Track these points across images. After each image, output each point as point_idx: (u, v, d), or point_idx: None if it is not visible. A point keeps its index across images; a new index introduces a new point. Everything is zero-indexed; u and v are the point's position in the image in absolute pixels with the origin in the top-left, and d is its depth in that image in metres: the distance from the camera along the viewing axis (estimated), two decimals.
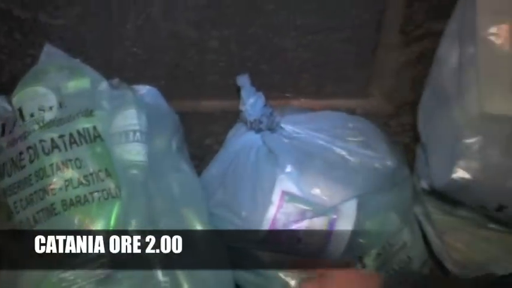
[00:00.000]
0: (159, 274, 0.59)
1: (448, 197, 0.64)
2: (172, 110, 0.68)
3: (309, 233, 0.65)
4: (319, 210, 0.63)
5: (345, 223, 0.64)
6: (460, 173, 0.59)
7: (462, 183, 0.59)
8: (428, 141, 0.67)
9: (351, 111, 0.71)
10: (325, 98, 0.74)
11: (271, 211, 0.65)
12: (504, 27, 0.58)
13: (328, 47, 0.71)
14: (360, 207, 0.63)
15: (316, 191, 0.64)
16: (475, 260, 0.68)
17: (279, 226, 0.65)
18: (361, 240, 0.63)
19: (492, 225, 0.66)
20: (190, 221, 0.67)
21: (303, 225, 0.65)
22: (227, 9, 0.66)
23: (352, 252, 0.64)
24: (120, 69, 0.68)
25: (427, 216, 0.70)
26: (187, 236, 0.67)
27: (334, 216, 0.63)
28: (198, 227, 0.67)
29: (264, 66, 0.73)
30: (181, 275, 0.62)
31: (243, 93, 0.66)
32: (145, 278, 0.58)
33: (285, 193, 0.65)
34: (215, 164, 0.72)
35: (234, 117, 0.70)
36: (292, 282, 0.68)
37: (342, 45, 0.71)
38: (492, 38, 0.59)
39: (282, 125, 0.67)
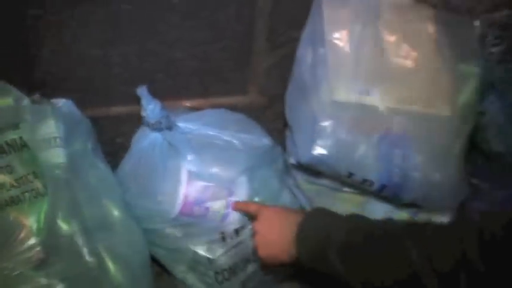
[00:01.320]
0: (86, 255, 0.77)
1: (312, 169, 0.89)
2: (85, 118, 0.88)
3: (214, 203, 0.89)
4: (219, 184, 0.88)
5: (241, 192, 0.89)
6: (318, 150, 0.79)
7: (320, 158, 0.78)
8: (293, 125, 0.94)
9: (233, 107, 0.96)
10: (211, 98, 0.99)
11: (182, 190, 0.88)
12: (344, 33, 0.85)
13: (211, 55, 0.96)
14: (249, 179, 0.90)
15: (214, 169, 0.89)
16: None
17: (190, 201, 0.88)
18: (255, 200, 0.90)
19: (346, 189, 0.90)
20: (109, 209, 0.88)
21: (208, 197, 0.89)
22: (127, 31, 0.88)
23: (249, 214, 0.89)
24: (40, 87, 0.86)
25: (297, 186, 0.97)
26: (108, 222, 0.88)
27: (232, 188, 0.89)
28: (116, 214, 0.88)
29: (160, 74, 0.96)
30: (105, 254, 0.80)
31: (143, 101, 0.89)
32: (74, 259, 0.76)
33: (190, 173, 0.88)
34: (126, 161, 0.94)
35: (139, 118, 0.91)
36: (201, 251, 0.91)
37: (222, 53, 0.96)
38: (336, 41, 0.85)
39: (178, 124, 0.91)
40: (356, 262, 0.64)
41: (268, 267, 0.86)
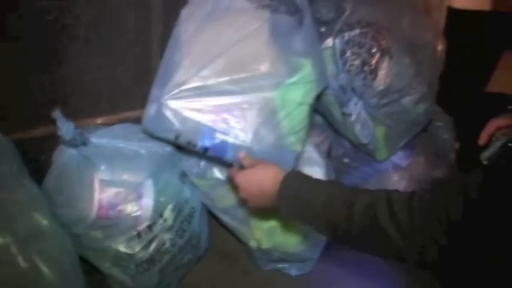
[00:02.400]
0: (21, 262, 0.91)
1: (150, 134, 1.10)
2: (9, 142, 1.06)
3: (126, 205, 1.13)
4: (129, 188, 1.12)
5: (148, 193, 1.14)
6: (149, 113, 1.10)
7: (149, 121, 1.08)
8: None
9: (138, 120, 1.20)
10: (118, 113, 1.23)
11: (96, 196, 1.12)
12: (193, 27, 1.07)
13: (115, 76, 1.19)
14: (154, 182, 1.14)
15: (124, 176, 1.12)
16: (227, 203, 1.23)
17: (105, 205, 1.12)
18: (161, 199, 1.14)
19: None
20: (38, 220, 1.09)
21: (121, 201, 1.13)
22: (41, 60, 1.06)
23: (158, 210, 1.14)
24: None
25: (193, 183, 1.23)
26: (38, 231, 1.11)
27: (141, 191, 1.13)
28: (45, 223, 1.11)
29: (73, 97, 1.19)
30: (38, 259, 0.99)
31: (58, 122, 1.12)
32: (10, 267, 0.92)
33: (103, 181, 1.10)
34: (50, 176, 1.17)
35: (58, 138, 1.05)
36: (121, 248, 1.15)
37: (124, 74, 1.20)
38: (187, 34, 1.08)
39: (91, 139, 1.14)
40: (339, 231, 0.79)
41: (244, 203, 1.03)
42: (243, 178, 0.95)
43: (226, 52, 1.03)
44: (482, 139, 1.01)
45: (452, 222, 0.67)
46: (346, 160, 1.42)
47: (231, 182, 1.02)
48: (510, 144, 0.98)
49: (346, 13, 1.24)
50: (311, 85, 1.08)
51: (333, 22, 1.26)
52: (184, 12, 1.07)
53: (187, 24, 1.07)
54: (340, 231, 0.79)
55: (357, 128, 1.20)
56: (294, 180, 0.88)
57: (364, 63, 1.18)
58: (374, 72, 1.16)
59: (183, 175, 1.18)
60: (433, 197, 0.71)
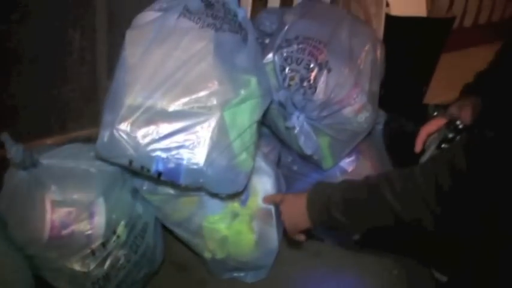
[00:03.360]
0: None
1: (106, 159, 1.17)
2: None
3: (79, 225, 1.23)
4: (81, 208, 1.22)
5: (100, 211, 1.24)
6: (103, 139, 1.16)
7: (104, 146, 1.16)
8: None
9: (88, 139, 1.30)
10: (68, 133, 1.32)
11: (48, 217, 1.21)
12: (140, 50, 1.17)
13: (64, 96, 1.29)
14: (106, 199, 1.25)
15: (75, 196, 1.22)
16: (180, 216, 1.36)
17: (57, 225, 1.21)
18: (113, 216, 1.25)
19: (184, 193, 1.30)
20: None
21: (73, 220, 1.23)
22: None
23: (111, 227, 1.25)
24: None
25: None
26: None
27: (92, 209, 1.24)
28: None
29: (23, 118, 1.27)
30: None
31: (7, 146, 1.20)
32: None
33: (54, 201, 1.19)
34: (2, 199, 1.26)
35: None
36: (76, 267, 1.25)
37: (73, 93, 1.29)
38: (133, 56, 1.18)
39: (41, 161, 1.24)
40: (353, 213, 1.01)
41: (293, 238, 1.23)
42: (285, 203, 1.20)
43: (174, 74, 1.14)
44: (418, 147, 1.20)
45: (440, 187, 0.86)
46: (295, 168, 1.57)
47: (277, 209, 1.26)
48: (450, 135, 1.15)
49: (285, 28, 1.38)
50: (258, 101, 1.21)
51: (274, 36, 1.40)
52: (129, 35, 1.17)
53: (134, 48, 1.16)
54: (357, 216, 1.01)
55: (301, 140, 1.34)
56: (315, 194, 1.11)
57: (302, 79, 1.30)
58: (313, 86, 1.28)
59: (135, 191, 1.30)
60: (423, 167, 0.92)
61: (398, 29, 1.67)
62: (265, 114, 1.35)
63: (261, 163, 1.38)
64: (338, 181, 1.13)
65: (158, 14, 1.21)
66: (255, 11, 1.60)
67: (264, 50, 1.37)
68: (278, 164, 1.63)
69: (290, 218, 1.17)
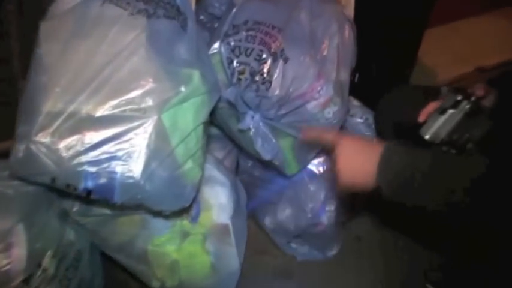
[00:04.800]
0: None
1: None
2: None
3: None
4: None
5: (20, 240, 1.20)
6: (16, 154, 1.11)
7: (20, 162, 1.10)
8: None
9: (4, 154, 1.24)
10: None
11: None
12: (58, 48, 1.12)
13: None
14: (27, 226, 1.20)
15: None
16: (120, 240, 1.32)
17: None
18: (37, 246, 1.21)
19: (123, 212, 1.27)
20: None
21: None
22: None
23: (35, 259, 1.20)
24: None
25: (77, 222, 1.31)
26: None
27: (10, 240, 1.19)
28: None
29: None
30: None
31: None
32: None
33: None
34: None
35: None
36: None
37: None
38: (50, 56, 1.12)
39: None
40: (442, 187, 0.91)
41: (343, 193, 1.15)
42: (349, 142, 1.05)
43: (101, 73, 1.08)
44: (422, 117, 1.15)
45: None
46: (256, 173, 1.54)
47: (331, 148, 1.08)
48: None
49: (233, 11, 1.34)
50: (203, 99, 1.17)
51: (221, 21, 1.36)
52: (44, 28, 1.12)
53: (51, 43, 1.10)
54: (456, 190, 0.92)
55: (258, 144, 1.30)
56: (394, 151, 0.99)
57: (253, 73, 1.24)
58: (267, 81, 1.23)
59: (64, 214, 1.25)
60: None
61: (371, 3, 1.65)
62: (214, 113, 1.32)
63: (213, 171, 1.35)
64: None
65: (78, 0, 1.16)
66: None
67: (211, 37, 1.34)
68: (236, 171, 1.61)
69: (350, 173, 1.03)
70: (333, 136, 1.07)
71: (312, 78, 1.25)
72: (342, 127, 1.52)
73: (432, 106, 1.14)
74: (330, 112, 1.31)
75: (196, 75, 1.15)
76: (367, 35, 1.62)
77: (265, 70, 1.22)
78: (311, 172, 1.47)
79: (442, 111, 1.10)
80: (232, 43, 1.26)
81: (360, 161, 1.01)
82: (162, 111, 1.11)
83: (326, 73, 1.29)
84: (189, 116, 1.14)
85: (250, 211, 1.61)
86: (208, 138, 1.46)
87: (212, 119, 1.36)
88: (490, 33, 2.62)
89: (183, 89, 1.12)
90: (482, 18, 2.77)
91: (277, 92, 1.23)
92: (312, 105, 1.28)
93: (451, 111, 1.11)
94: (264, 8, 1.30)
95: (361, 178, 1.01)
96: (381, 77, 1.82)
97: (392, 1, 1.71)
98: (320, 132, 1.14)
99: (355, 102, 1.66)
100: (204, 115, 1.17)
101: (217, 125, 1.41)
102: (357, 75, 1.79)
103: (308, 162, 1.44)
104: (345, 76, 1.37)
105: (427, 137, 1.10)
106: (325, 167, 1.48)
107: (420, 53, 1.96)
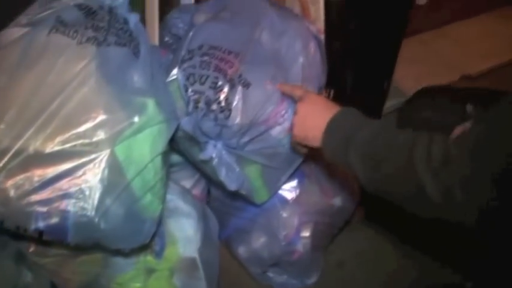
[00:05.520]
0: None
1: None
2: None
3: None
4: None
5: None
6: None
7: None
8: None
9: None
10: None
11: None
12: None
13: None
14: None
15: None
16: (82, 280, 1.33)
17: None
18: None
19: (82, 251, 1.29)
20: None
21: None
22: None
23: None
24: None
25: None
26: None
27: None
28: None
29: None
30: None
31: None
32: None
33: None
34: None
35: None
36: None
37: None
38: None
39: None
40: (372, 166, 1.00)
41: (295, 146, 1.30)
42: (304, 104, 1.23)
43: (49, 106, 1.08)
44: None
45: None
46: (228, 201, 1.55)
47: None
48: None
49: (191, 33, 1.35)
50: (160, 128, 1.17)
51: (180, 44, 1.38)
52: None
53: None
54: (380, 168, 1.00)
55: (222, 174, 1.30)
56: (342, 119, 1.13)
57: (209, 102, 1.22)
58: (226, 109, 1.22)
59: (20, 255, 1.25)
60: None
61: (343, 15, 1.67)
62: (175, 141, 1.33)
63: (178, 202, 1.36)
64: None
65: (25, 30, 1.17)
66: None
67: (171, 62, 1.35)
68: (208, 199, 1.62)
69: (302, 125, 1.20)
70: (301, 91, 1.24)
71: (275, 102, 1.26)
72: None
73: (459, 130, 1.15)
74: None
75: (150, 103, 1.15)
76: (340, 48, 1.63)
77: (222, 98, 1.22)
78: (283, 198, 1.48)
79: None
80: (187, 70, 1.26)
81: (315, 115, 1.17)
82: (114, 144, 1.10)
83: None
84: (144, 148, 1.14)
85: (223, 241, 1.61)
86: (175, 166, 1.47)
87: (176, 147, 1.37)
88: (477, 38, 2.65)
89: (136, 119, 1.12)
90: (471, 22, 2.80)
91: (237, 120, 1.23)
92: (277, 131, 1.28)
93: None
94: (221, 31, 1.31)
95: (311, 132, 1.17)
96: (356, 91, 1.83)
97: (366, 12, 1.71)
98: (292, 87, 1.29)
99: None
100: (161, 145, 1.17)
101: (182, 153, 1.41)
102: (331, 92, 1.80)
103: (278, 188, 1.45)
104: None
105: None
106: (297, 192, 1.48)
107: (403, 62, 1.97)
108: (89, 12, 1.21)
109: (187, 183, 1.52)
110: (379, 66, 1.91)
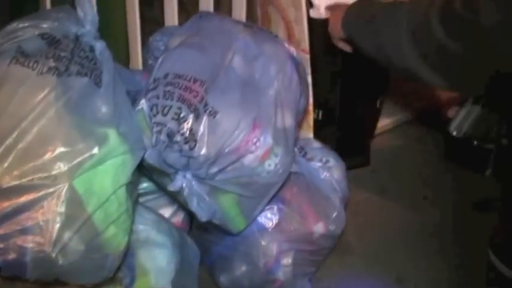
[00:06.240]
0: None
1: None
2: None
3: None
4: None
5: None
6: None
7: None
8: None
9: None
10: None
11: None
12: None
13: None
14: None
15: None
16: None
17: None
18: None
19: None
20: None
21: None
22: None
23: None
24: None
25: None
26: None
27: None
28: None
29: None
30: None
31: None
32: None
33: None
34: None
35: None
36: None
37: None
38: None
39: None
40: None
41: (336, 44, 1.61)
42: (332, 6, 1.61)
43: (6, 138, 1.06)
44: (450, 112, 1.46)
45: None
46: (210, 228, 1.50)
47: None
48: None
49: (160, 60, 1.32)
50: (123, 159, 1.14)
51: (150, 72, 1.34)
52: None
53: None
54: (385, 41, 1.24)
55: (193, 205, 1.25)
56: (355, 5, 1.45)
57: (171, 134, 1.18)
58: (191, 139, 1.18)
59: None
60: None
61: (327, 33, 1.63)
62: (148, 170, 1.29)
63: (151, 233, 1.32)
64: None
65: None
66: None
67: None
68: (191, 226, 1.58)
69: (330, 21, 1.56)
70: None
71: (246, 129, 1.22)
72: (298, 173, 1.49)
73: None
74: (271, 164, 1.27)
75: (112, 134, 1.12)
76: (327, 68, 1.59)
77: (185, 129, 1.18)
78: (262, 226, 1.43)
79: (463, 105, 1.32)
80: (151, 100, 1.22)
81: (337, 13, 1.50)
82: (73, 177, 1.08)
83: (263, 122, 1.25)
84: (106, 179, 1.12)
85: (208, 267, 1.57)
86: (153, 193, 1.44)
87: (149, 176, 1.34)
88: None
89: (96, 150, 1.10)
90: None
91: (203, 150, 1.19)
92: (249, 159, 1.24)
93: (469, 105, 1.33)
94: (189, 57, 1.27)
95: (335, 22, 1.52)
96: (347, 111, 1.78)
97: None
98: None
99: (315, 144, 1.63)
100: (125, 177, 1.14)
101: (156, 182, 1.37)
102: (320, 113, 1.76)
103: (256, 216, 1.40)
104: (289, 121, 1.34)
105: (454, 133, 1.45)
106: (277, 220, 1.43)
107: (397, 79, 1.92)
108: (52, 42, 1.18)
109: (167, 211, 1.48)
110: (370, 85, 1.84)
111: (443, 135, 1.83)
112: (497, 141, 1.31)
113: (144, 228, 1.32)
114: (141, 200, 1.48)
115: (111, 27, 1.82)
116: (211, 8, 1.81)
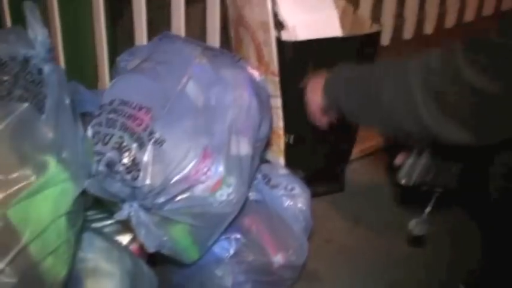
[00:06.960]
0: None
1: None
2: None
3: None
4: None
5: None
6: None
7: None
8: None
9: None
10: None
11: None
12: None
13: None
14: None
15: None
16: None
17: None
18: None
19: None
20: None
21: None
22: None
23: None
24: None
25: None
26: None
27: None
28: None
29: None
30: None
31: None
32: None
33: None
34: None
35: None
36: None
37: None
38: None
39: None
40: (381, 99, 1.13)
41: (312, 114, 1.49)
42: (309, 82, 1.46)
43: None
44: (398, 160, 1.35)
45: None
46: (170, 257, 1.46)
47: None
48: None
49: (110, 84, 1.27)
50: (64, 188, 1.10)
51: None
52: None
53: None
54: (383, 99, 1.11)
55: (141, 234, 1.22)
56: (338, 69, 1.34)
57: (111, 164, 1.15)
58: (134, 169, 1.15)
59: None
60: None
61: (296, 55, 1.59)
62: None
63: (99, 262, 1.28)
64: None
65: None
66: None
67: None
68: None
69: (308, 95, 1.46)
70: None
71: (195, 158, 1.18)
72: (259, 201, 1.44)
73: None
74: (224, 194, 1.23)
75: (52, 162, 1.08)
76: (297, 91, 1.55)
77: (127, 159, 1.14)
78: (218, 256, 1.38)
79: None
80: (94, 128, 1.18)
81: (317, 80, 1.39)
82: (7, 207, 1.04)
83: (215, 150, 1.21)
84: (44, 209, 1.08)
85: None
86: (111, 219, 1.39)
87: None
88: None
89: (33, 179, 1.05)
90: None
91: (147, 181, 1.15)
92: (199, 189, 1.20)
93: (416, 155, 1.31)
94: (138, 83, 1.23)
95: (315, 91, 1.41)
96: (319, 136, 1.73)
97: (324, 52, 1.62)
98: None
99: (281, 171, 1.58)
100: (65, 206, 1.10)
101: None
102: (291, 137, 1.71)
103: (210, 246, 1.35)
104: (246, 149, 1.30)
105: (402, 182, 1.36)
106: (234, 250, 1.38)
107: None
108: None
109: (126, 238, 1.42)
110: None
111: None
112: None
113: (93, 256, 1.28)
114: (97, 225, 1.43)
115: (80, 47, 1.79)
116: (182, 27, 1.76)
